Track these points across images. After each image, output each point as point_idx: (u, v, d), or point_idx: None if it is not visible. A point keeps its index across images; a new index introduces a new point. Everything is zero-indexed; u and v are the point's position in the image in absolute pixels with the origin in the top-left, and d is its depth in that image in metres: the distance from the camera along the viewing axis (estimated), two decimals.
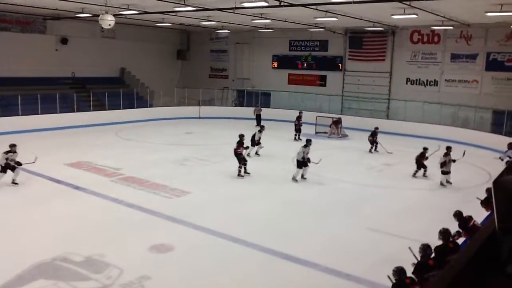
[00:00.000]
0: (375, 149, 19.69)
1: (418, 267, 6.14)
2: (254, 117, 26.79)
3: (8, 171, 13.02)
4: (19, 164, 13.07)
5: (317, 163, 14.47)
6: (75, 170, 15.16)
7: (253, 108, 27.51)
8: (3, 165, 12.86)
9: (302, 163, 14.30)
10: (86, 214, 11.13)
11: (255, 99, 30.51)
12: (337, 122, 23.82)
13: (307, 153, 14.33)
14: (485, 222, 8.18)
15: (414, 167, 15.77)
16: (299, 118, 22.54)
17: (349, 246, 9.65)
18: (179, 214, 11.08)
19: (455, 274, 2.49)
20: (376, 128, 20.15)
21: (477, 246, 2.89)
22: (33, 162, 13.34)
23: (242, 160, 15.02)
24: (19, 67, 24.52)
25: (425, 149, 15.66)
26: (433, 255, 6.41)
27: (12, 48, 24.48)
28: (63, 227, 10.13)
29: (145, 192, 12.85)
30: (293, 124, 22.42)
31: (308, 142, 14.74)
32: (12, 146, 13.25)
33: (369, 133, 20.01)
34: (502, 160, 15.56)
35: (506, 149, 16.05)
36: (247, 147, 15.63)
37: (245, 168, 15.04)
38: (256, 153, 18.11)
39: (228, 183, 14.34)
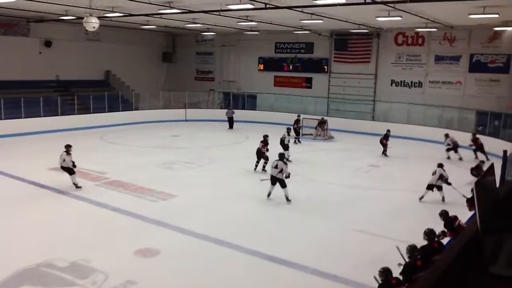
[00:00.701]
0: (385, 152, 19.29)
1: (406, 268, 6.17)
2: (226, 119, 26.46)
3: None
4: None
5: None
6: (60, 174, 14.92)
7: (226, 111, 27.24)
8: (71, 166, 13.17)
9: (283, 181, 12.66)
10: (70, 219, 11.02)
11: (241, 101, 30.56)
12: (322, 123, 23.85)
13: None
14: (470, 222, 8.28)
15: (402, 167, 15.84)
16: (297, 121, 22.42)
17: (336, 247, 9.68)
18: (165, 217, 11.01)
19: (439, 274, 2.51)
20: (388, 130, 19.83)
21: (461, 246, 2.91)
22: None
23: (265, 157, 15.79)
24: (2, 70, 24.16)
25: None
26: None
27: None
28: (47, 232, 10.01)
29: (130, 196, 12.75)
30: (292, 127, 21.56)
31: (282, 156, 13.24)
32: (69, 146, 13.52)
33: (355, 135, 20.09)
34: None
35: (444, 138, 19.15)
36: (267, 150, 16.08)
37: (264, 165, 15.79)
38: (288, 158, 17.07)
39: (214, 185, 14.29)
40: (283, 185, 12.60)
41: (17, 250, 9.01)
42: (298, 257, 8.91)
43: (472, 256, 2.93)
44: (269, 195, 12.86)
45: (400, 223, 11.08)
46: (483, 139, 20.43)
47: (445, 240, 7.47)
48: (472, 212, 8.87)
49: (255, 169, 15.92)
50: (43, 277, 7.95)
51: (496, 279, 2.80)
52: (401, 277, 6.02)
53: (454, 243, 4.38)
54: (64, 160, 13.09)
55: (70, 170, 13.21)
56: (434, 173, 13.12)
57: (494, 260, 2.90)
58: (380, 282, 5.90)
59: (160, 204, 12.19)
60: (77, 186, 13.20)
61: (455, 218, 7.93)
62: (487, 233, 2.89)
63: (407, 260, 6.50)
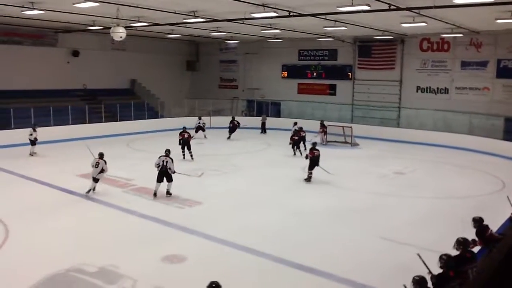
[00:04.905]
0: None
1: (439, 280, 6.00)
2: (260, 125, 27.57)
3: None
4: (35, 139, 19.18)
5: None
6: (87, 181, 15.20)
7: (261, 116, 28.31)
8: (31, 138, 19.03)
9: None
10: (98, 225, 11.20)
11: (265, 109, 30.63)
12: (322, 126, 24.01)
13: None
14: (501, 232, 8.10)
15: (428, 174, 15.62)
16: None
17: (363, 255, 9.58)
18: (192, 224, 11.09)
19: (482, 284, 2.45)
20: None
21: (501, 256, 2.83)
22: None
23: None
24: (32, 80, 24.90)
25: None
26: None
27: (24, 61, 24.88)
28: (76, 238, 10.19)
29: (157, 203, 12.88)
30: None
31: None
32: (34, 125, 19.38)
33: (380, 142, 19.88)
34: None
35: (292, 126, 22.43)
36: None
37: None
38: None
39: (240, 193, 14.33)
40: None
41: (47, 255, 9.19)
42: (325, 265, 8.84)
43: None
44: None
45: (427, 231, 10.92)
46: (511, 145, 20.17)
47: (475, 249, 7.30)
48: (496, 221, 8.71)
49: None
50: (72, 282, 8.08)
51: None
52: None
53: (494, 252, 4.27)
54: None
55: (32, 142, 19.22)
56: None
57: None
58: None
59: (186, 211, 12.29)
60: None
61: (487, 227, 7.73)
62: None
63: (430, 269, 6.34)
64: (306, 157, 15.71)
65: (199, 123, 24.80)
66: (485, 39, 22.97)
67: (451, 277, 5.96)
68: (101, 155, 13.68)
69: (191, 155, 19.05)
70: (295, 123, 22.95)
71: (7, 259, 9.08)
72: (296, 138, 20.66)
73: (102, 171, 13.53)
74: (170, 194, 13.41)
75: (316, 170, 15.67)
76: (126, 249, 9.62)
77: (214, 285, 5.75)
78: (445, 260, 6.16)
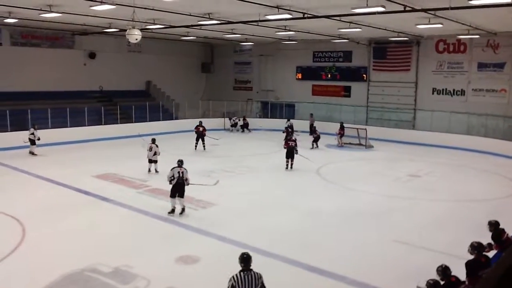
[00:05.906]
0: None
1: None
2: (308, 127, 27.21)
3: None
4: (38, 139, 19.46)
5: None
6: (103, 181, 15.42)
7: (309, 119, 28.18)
8: (32, 138, 19.37)
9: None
10: (113, 226, 11.30)
11: (279, 110, 30.61)
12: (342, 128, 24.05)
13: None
14: None
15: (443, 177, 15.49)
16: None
17: (376, 258, 9.52)
18: (205, 225, 11.14)
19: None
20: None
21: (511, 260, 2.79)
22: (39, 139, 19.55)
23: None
24: (49, 81, 25.25)
25: None
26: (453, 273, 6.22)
27: (42, 63, 25.24)
28: (91, 238, 10.30)
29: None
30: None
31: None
32: (33, 125, 19.64)
33: (394, 144, 19.67)
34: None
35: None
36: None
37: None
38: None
39: (253, 194, 14.34)
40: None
41: (62, 255, 9.31)
42: (337, 267, 8.83)
43: None
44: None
45: (441, 235, 10.82)
46: None
47: (490, 254, 7.21)
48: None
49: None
50: (87, 282, 8.17)
51: None
52: None
53: (503, 257, 4.21)
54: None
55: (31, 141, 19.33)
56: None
57: None
58: None
59: (199, 212, 12.33)
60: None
61: (503, 231, 7.62)
62: None
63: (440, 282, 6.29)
64: (284, 147, 18.05)
65: (233, 119, 29.25)
66: (502, 40, 22.68)
67: (453, 282, 5.91)
68: (153, 140, 16.68)
69: (204, 146, 21.55)
70: (288, 119, 26.97)
71: (24, 258, 9.21)
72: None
73: (155, 153, 16.33)
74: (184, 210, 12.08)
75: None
76: (140, 250, 9.70)
77: (245, 255, 6.08)
78: (441, 271, 6.09)
